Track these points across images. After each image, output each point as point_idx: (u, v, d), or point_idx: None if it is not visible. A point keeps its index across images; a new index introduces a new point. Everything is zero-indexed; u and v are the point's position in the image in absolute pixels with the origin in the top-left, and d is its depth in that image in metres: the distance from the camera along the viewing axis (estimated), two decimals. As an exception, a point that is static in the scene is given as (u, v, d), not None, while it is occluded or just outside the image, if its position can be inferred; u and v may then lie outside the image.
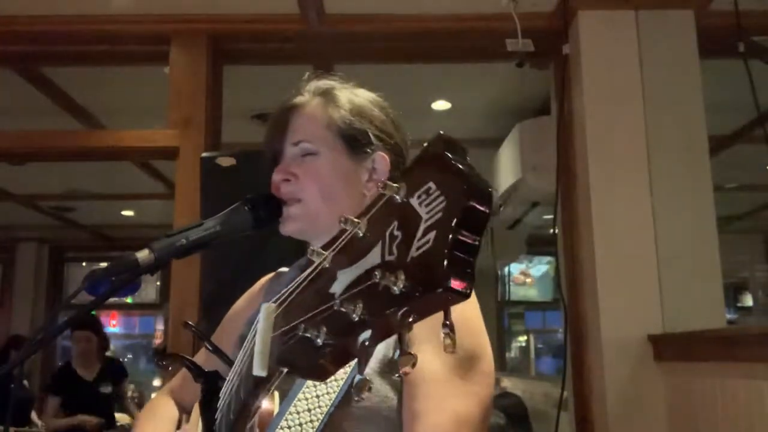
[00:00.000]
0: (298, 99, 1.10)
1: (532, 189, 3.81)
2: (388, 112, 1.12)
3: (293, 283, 0.60)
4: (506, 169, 4.08)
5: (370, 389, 0.50)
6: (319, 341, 0.52)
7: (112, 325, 10.10)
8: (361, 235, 0.51)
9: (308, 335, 0.53)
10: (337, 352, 0.52)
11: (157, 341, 8.95)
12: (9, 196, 6.10)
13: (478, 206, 0.44)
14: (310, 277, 0.57)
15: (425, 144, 0.49)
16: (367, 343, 0.48)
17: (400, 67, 3.53)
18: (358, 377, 0.50)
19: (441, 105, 4.18)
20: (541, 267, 7.38)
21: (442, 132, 0.49)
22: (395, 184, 0.49)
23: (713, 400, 2.19)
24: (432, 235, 0.44)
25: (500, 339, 7.66)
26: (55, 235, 7.83)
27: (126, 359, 10.78)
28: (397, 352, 0.48)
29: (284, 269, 1.21)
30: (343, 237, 0.53)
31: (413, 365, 0.48)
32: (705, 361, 2.32)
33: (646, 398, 2.56)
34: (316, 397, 0.93)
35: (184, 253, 1.03)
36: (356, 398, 0.51)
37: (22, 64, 3.46)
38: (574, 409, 2.87)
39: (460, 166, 0.45)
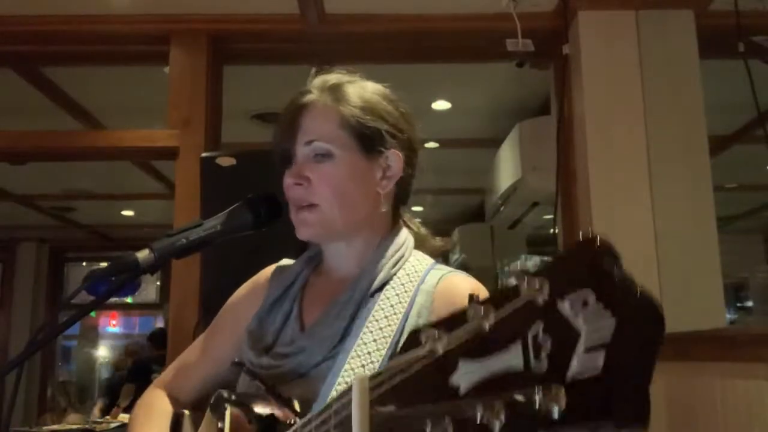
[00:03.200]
0: (308, 97, 1.06)
1: (532, 189, 3.81)
2: (398, 106, 1.09)
3: (397, 360, 0.53)
4: (506, 169, 4.08)
5: None
6: None
7: (112, 325, 10.10)
8: (487, 329, 0.45)
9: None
10: None
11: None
12: (9, 196, 6.10)
13: (655, 331, 0.39)
14: (419, 359, 0.50)
15: (577, 242, 0.43)
16: None
17: (400, 67, 3.53)
18: None
19: (441, 105, 4.18)
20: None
21: (592, 232, 0.42)
22: (536, 279, 0.43)
23: (713, 400, 2.19)
24: (600, 359, 0.39)
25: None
26: (55, 235, 7.82)
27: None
28: None
29: (288, 261, 1.19)
30: (468, 325, 0.47)
31: None
32: (705, 361, 2.32)
33: (646, 398, 2.55)
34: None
35: (184, 253, 1.03)
36: None
37: (22, 64, 3.46)
38: (574, 409, 2.87)
39: (632, 284, 0.40)
